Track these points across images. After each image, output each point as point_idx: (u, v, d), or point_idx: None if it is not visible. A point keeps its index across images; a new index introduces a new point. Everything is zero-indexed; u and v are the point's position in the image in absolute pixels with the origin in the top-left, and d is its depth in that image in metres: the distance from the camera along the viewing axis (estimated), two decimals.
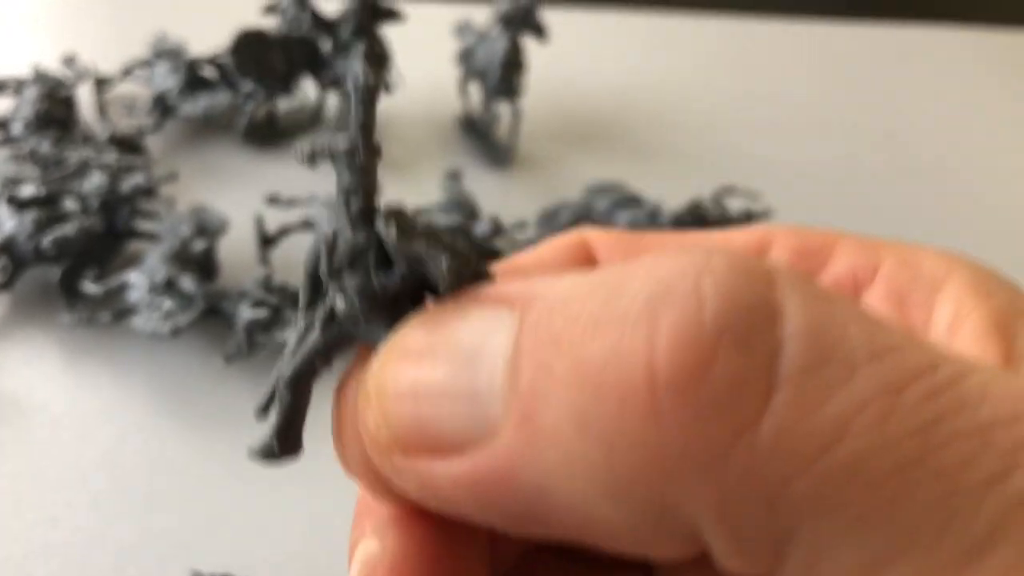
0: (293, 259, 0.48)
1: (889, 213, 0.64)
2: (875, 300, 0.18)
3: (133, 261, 0.45)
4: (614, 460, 0.12)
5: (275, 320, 0.41)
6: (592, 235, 0.20)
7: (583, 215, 0.50)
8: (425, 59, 0.62)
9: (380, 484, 0.15)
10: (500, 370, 0.13)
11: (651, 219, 0.51)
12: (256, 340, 0.41)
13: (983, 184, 0.70)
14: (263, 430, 0.16)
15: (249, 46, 0.51)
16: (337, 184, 0.14)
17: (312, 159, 0.15)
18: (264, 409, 0.16)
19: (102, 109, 0.54)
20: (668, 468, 0.12)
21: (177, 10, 0.68)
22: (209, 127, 0.55)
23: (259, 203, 0.50)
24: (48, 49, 0.60)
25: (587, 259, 0.19)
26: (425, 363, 0.14)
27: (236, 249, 0.47)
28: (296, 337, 0.15)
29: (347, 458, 0.16)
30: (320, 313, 0.15)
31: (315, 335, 0.15)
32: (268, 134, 0.56)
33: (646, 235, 0.20)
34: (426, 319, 0.14)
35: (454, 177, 0.52)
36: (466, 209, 0.49)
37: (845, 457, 0.11)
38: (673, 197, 0.54)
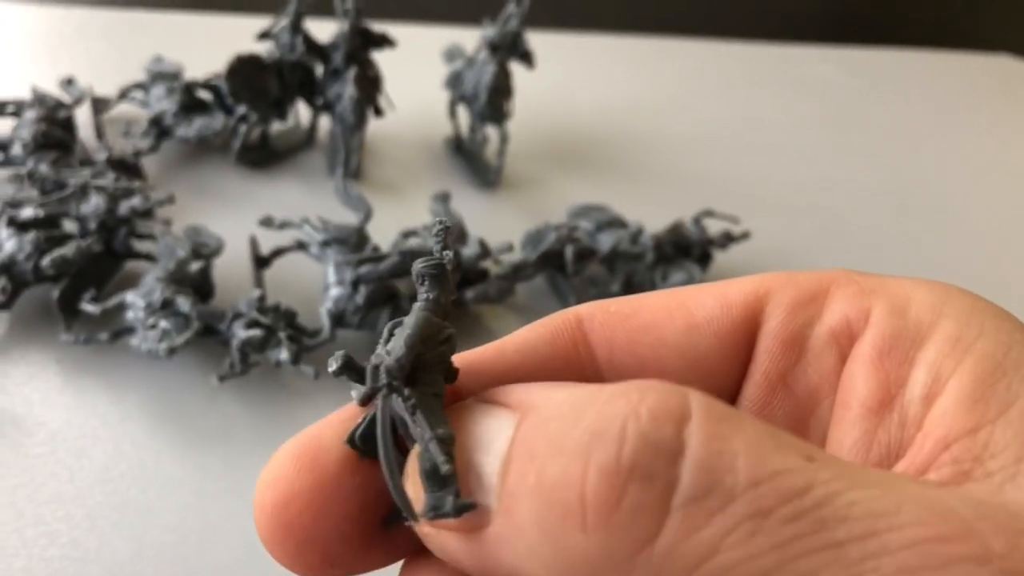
0: (286, 280, 0.49)
1: (868, 234, 0.66)
2: (863, 356, 0.20)
3: (131, 281, 0.47)
4: (559, 557, 0.16)
5: (268, 340, 0.42)
6: (585, 314, 0.23)
7: (567, 237, 0.52)
8: (415, 82, 0.63)
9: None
10: (496, 471, 0.17)
11: (633, 241, 0.52)
12: (249, 360, 0.42)
13: (962, 203, 0.72)
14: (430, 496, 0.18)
15: (243, 70, 0.52)
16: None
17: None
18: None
19: (99, 131, 0.55)
20: (593, 568, 0.16)
21: (172, 35, 0.69)
22: (204, 149, 0.56)
23: (253, 224, 0.52)
24: (47, 72, 0.61)
25: (581, 341, 0.22)
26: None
27: (231, 269, 0.48)
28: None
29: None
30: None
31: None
32: (261, 156, 0.57)
33: (635, 305, 0.22)
34: (453, 418, 0.19)
35: (443, 199, 0.53)
36: (454, 231, 0.50)
37: (716, 568, 0.15)
38: (655, 217, 0.55)
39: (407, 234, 0.50)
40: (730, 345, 0.22)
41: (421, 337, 0.19)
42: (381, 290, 0.45)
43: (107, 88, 0.58)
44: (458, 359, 0.21)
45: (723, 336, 0.22)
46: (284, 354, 0.41)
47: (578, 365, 0.22)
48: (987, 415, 0.18)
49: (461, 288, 0.48)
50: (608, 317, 0.22)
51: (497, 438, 0.18)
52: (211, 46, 0.67)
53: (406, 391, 0.19)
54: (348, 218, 0.50)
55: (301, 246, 0.48)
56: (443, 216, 0.52)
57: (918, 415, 0.19)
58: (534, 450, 0.17)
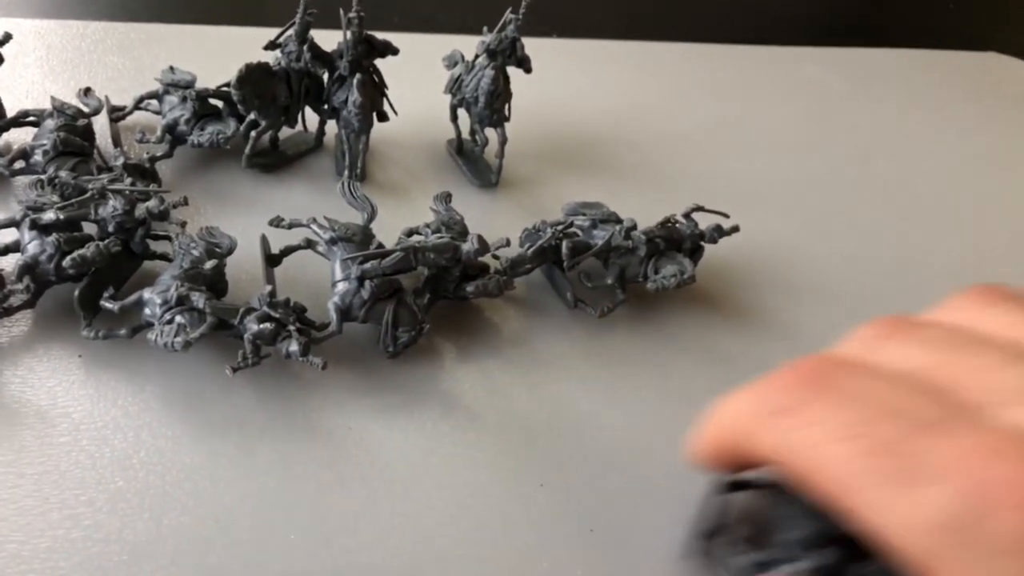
0: (295, 276, 0.51)
1: (857, 229, 0.67)
2: None
3: (148, 280, 0.49)
4: None
5: (278, 333, 0.44)
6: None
7: (563, 233, 0.54)
8: (418, 87, 0.65)
9: None
10: None
11: (626, 236, 0.54)
12: (261, 352, 0.44)
13: (953, 198, 0.74)
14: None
15: (253, 78, 0.55)
16: None
17: None
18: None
19: (116, 138, 0.57)
20: None
21: (185, 47, 0.72)
22: (216, 154, 0.59)
23: (264, 225, 0.54)
24: (66, 83, 0.64)
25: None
26: None
27: (243, 267, 0.50)
28: None
29: None
30: None
31: None
32: (271, 160, 0.59)
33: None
34: None
35: (444, 199, 0.56)
36: (455, 228, 0.52)
37: None
38: (648, 214, 0.57)
39: (410, 232, 0.52)
40: None
41: None
42: (386, 285, 0.47)
43: (123, 98, 0.61)
44: None
45: None
46: (294, 346, 0.43)
47: None
48: None
49: (461, 282, 0.51)
50: None
51: None
52: (222, 57, 0.70)
53: None
54: (355, 218, 0.52)
55: (309, 244, 0.50)
56: (444, 214, 0.54)
57: None
58: None
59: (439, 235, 0.50)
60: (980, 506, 0.22)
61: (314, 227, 0.49)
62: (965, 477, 0.22)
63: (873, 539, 0.25)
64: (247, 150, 0.57)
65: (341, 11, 0.56)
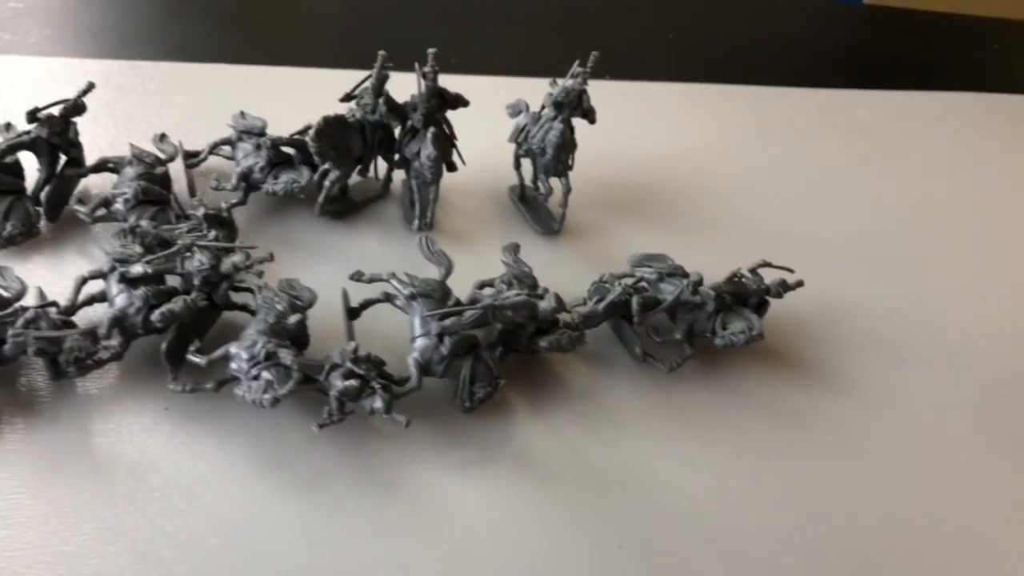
0: (368, 328, 0.52)
1: (918, 279, 0.68)
2: None
3: (229, 330, 0.50)
4: None
5: (363, 390, 0.45)
6: None
7: (633, 289, 0.55)
8: (477, 129, 0.66)
9: None
10: None
11: (693, 291, 0.54)
12: (346, 408, 0.45)
13: (1005, 247, 0.74)
14: None
15: (330, 131, 0.56)
16: None
17: None
18: None
19: (192, 186, 0.58)
20: None
21: (250, 87, 0.73)
22: (287, 201, 0.60)
23: (337, 273, 0.55)
24: (139, 125, 0.65)
25: None
26: None
27: (317, 319, 0.51)
28: None
29: None
30: None
31: None
32: (341, 208, 0.60)
33: None
34: None
35: (513, 250, 0.56)
36: (527, 282, 0.53)
37: None
38: (710, 264, 0.57)
39: (482, 285, 0.53)
40: None
41: None
42: (465, 341, 0.48)
43: (193, 140, 0.61)
44: None
45: None
46: (378, 403, 0.44)
47: None
48: None
49: (535, 337, 0.51)
50: None
51: None
52: (285, 97, 0.71)
53: None
54: (425, 269, 0.53)
55: (388, 298, 0.51)
56: (514, 267, 0.54)
57: None
58: None
59: (515, 291, 0.51)
60: None
61: (394, 282, 0.50)
62: None
63: None
64: (320, 199, 0.58)
65: (416, 65, 0.57)
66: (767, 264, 0.57)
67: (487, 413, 0.49)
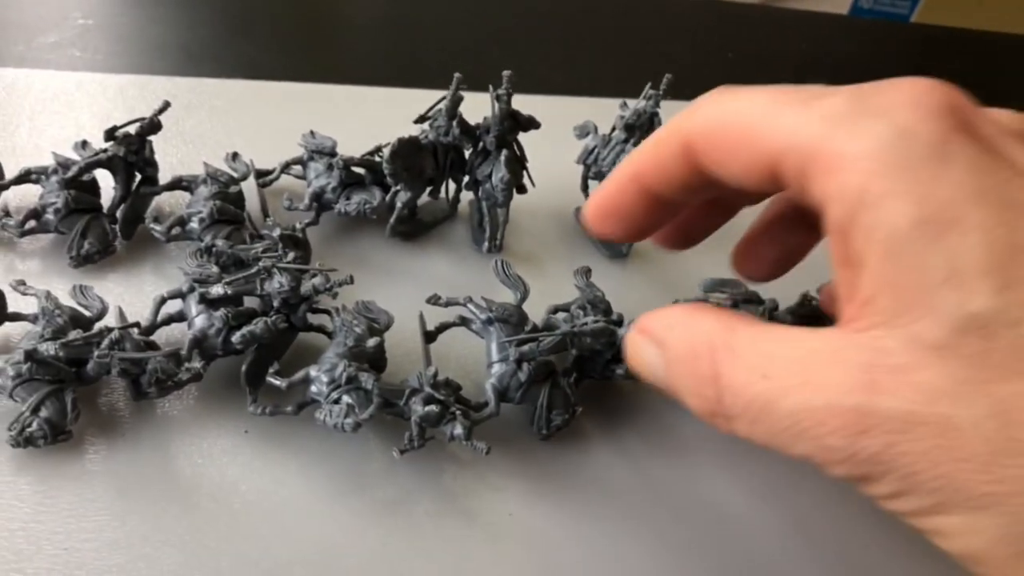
0: (443, 353, 0.51)
1: None
2: (827, 229, 0.30)
3: (306, 351, 0.50)
4: None
5: (443, 415, 0.44)
6: (690, 130, 0.34)
7: None
8: (540, 149, 0.65)
9: None
10: None
11: (769, 316, 0.54)
12: (426, 434, 0.44)
13: None
14: None
15: (403, 152, 0.55)
16: None
17: None
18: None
19: (264, 206, 0.58)
20: None
21: (315, 104, 0.73)
22: (358, 221, 0.60)
23: (409, 294, 0.54)
24: (205, 142, 0.66)
25: (689, 155, 0.35)
26: None
27: (393, 340, 0.51)
28: None
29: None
30: None
31: None
32: (411, 228, 0.60)
33: (732, 127, 0.33)
34: None
35: (584, 274, 0.56)
36: (600, 307, 0.53)
37: None
38: (783, 290, 0.56)
39: (555, 309, 0.53)
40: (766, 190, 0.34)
41: None
42: (542, 367, 0.48)
43: (261, 159, 0.62)
44: None
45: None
46: (459, 429, 0.44)
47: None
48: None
49: (610, 364, 0.51)
50: (721, 136, 0.33)
51: None
52: (351, 116, 0.71)
53: None
54: (496, 291, 0.53)
55: (463, 322, 0.50)
56: (587, 291, 0.54)
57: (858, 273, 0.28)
58: None
59: (591, 316, 0.51)
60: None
61: (471, 307, 0.50)
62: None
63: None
64: (392, 220, 0.58)
65: (491, 87, 0.56)
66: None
67: (560, 440, 0.49)
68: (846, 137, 0.27)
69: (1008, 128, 0.29)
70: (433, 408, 0.44)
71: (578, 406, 0.48)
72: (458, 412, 0.44)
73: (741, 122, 0.31)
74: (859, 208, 0.27)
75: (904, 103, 0.27)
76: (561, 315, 0.52)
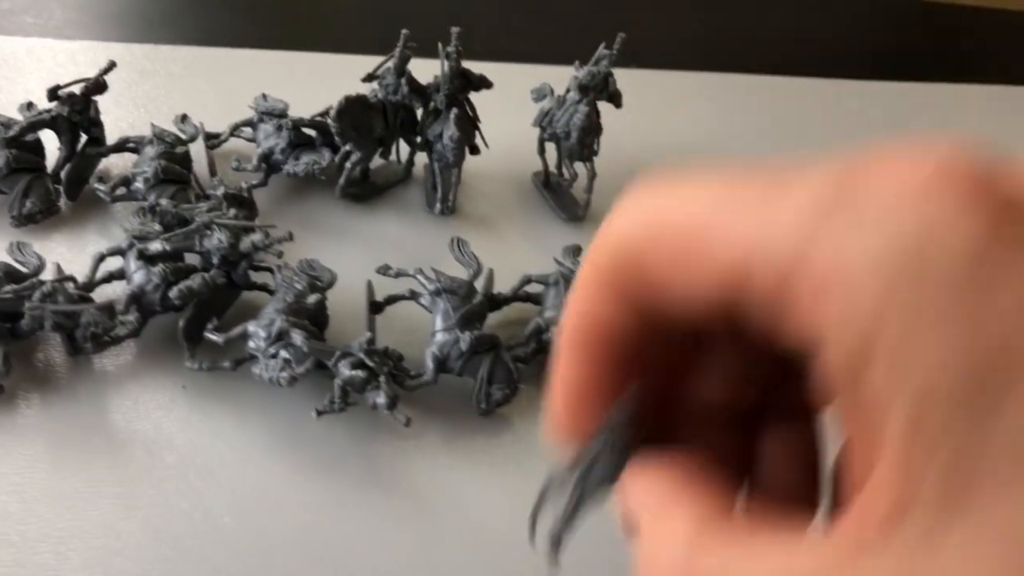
0: (395, 324, 0.51)
1: None
2: (821, 378, 0.20)
3: (247, 310, 0.49)
4: None
5: (368, 381, 0.43)
6: (637, 241, 0.22)
7: None
8: (503, 118, 0.65)
9: None
10: None
11: None
12: (349, 398, 0.44)
13: None
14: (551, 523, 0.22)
15: (351, 111, 0.55)
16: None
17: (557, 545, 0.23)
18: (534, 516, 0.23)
19: (212, 166, 0.58)
20: None
21: (273, 72, 0.72)
22: (308, 183, 0.59)
23: (358, 255, 0.54)
24: (160, 107, 0.65)
25: (638, 281, 0.22)
26: None
27: (339, 301, 0.50)
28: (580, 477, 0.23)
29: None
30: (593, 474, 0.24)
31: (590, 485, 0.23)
32: (363, 190, 0.60)
33: (698, 223, 0.21)
34: None
35: (573, 252, 0.54)
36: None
37: None
38: None
39: (529, 280, 0.52)
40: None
41: None
42: (485, 339, 0.47)
43: (214, 123, 0.61)
44: None
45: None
46: (381, 398, 0.42)
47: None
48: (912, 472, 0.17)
49: None
50: (666, 244, 0.21)
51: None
52: (310, 83, 0.70)
53: None
54: (447, 251, 0.52)
55: (413, 296, 0.49)
56: (571, 267, 0.53)
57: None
58: None
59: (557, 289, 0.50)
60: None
61: (420, 278, 0.49)
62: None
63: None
64: (341, 181, 0.57)
65: (440, 44, 0.56)
66: None
67: (506, 416, 0.48)
68: (843, 240, 0.19)
69: None
70: (358, 373, 0.43)
71: (520, 383, 0.47)
72: (383, 381, 0.43)
73: (681, 227, 0.21)
74: (872, 349, 0.18)
75: (918, 188, 0.19)
76: (535, 287, 0.52)
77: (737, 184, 0.21)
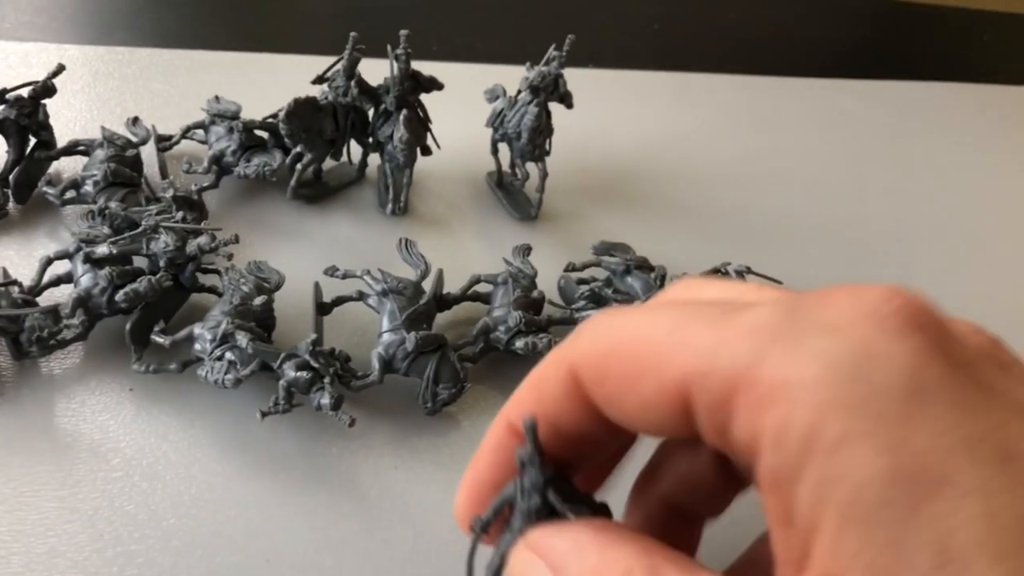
0: (344, 325, 0.51)
1: (901, 268, 0.67)
2: (760, 479, 0.22)
3: (196, 313, 0.49)
4: None
5: (313, 383, 0.44)
6: (576, 359, 0.25)
7: (596, 296, 0.53)
8: (457, 119, 0.65)
9: None
10: None
11: (660, 286, 0.53)
12: (294, 400, 0.44)
13: (994, 236, 0.74)
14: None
15: (301, 112, 0.55)
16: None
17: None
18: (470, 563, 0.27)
19: (163, 169, 0.58)
20: None
21: (228, 74, 0.72)
22: (260, 185, 0.59)
23: (309, 256, 0.54)
24: (113, 110, 0.65)
25: (578, 392, 0.26)
26: None
27: (289, 303, 0.50)
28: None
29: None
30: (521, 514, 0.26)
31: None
32: (315, 192, 0.60)
33: (627, 350, 0.24)
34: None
35: (523, 252, 0.55)
36: (523, 283, 0.52)
37: None
38: (688, 253, 0.56)
39: (479, 280, 0.53)
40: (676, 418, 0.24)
41: None
42: (431, 338, 0.47)
43: (169, 126, 0.61)
44: None
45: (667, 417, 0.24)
46: (325, 399, 0.43)
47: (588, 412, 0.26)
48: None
49: (513, 337, 0.50)
50: (594, 366, 0.25)
51: None
52: (264, 85, 0.71)
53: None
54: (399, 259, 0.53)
55: (361, 297, 0.50)
56: (519, 266, 0.53)
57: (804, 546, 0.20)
58: None
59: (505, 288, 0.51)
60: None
61: (367, 279, 0.50)
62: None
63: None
64: (292, 182, 0.58)
65: (388, 47, 0.56)
66: (750, 271, 0.56)
67: (458, 415, 0.48)
68: (786, 358, 0.20)
69: (982, 351, 0.22)
70: (303, 374, 0.43)
71: (466, 383, 0.48)
72: (328, 382, 0.44)
73: (639, 343, 0.24)
74: (808, 454, 0.20)
75: (859, 316, 0.21)
76: (484, 287, 0.53)
77: (692, 308, 0.23)
